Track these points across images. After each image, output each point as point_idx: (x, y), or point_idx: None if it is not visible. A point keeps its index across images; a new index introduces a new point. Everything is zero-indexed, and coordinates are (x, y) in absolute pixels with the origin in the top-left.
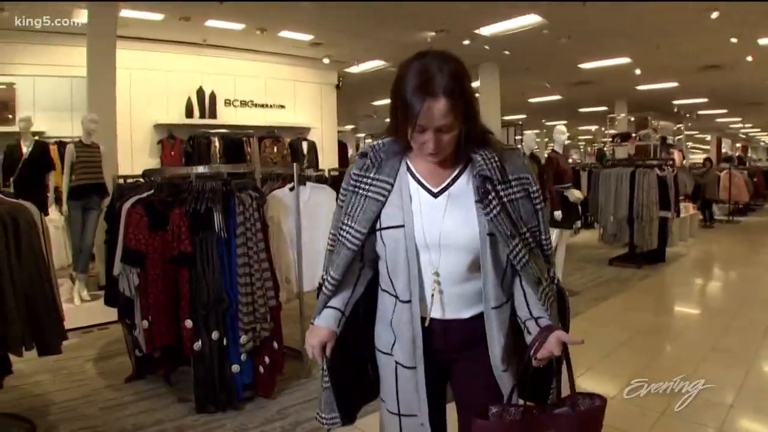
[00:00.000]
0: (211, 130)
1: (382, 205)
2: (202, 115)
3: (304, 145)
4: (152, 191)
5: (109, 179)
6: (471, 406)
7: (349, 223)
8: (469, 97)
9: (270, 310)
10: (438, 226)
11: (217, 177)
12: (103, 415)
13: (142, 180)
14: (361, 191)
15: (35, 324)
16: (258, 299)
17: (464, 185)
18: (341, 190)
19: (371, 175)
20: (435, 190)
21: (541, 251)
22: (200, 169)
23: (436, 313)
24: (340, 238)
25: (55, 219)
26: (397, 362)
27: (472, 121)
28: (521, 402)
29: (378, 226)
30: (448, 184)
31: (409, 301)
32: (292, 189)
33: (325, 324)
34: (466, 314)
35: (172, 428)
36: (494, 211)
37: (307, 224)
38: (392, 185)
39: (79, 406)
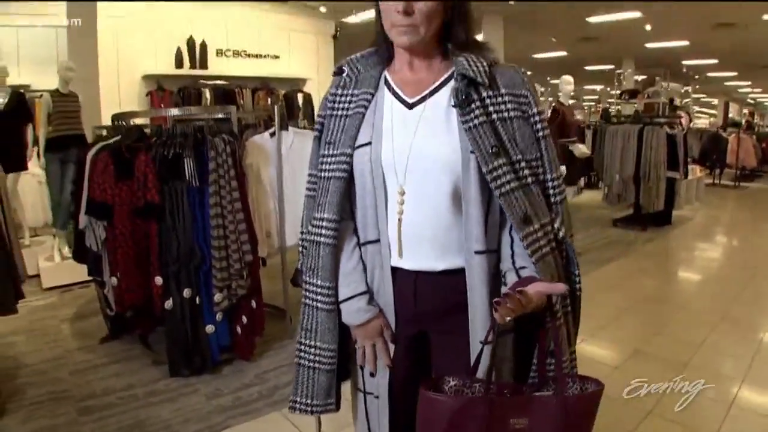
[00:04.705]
0: (202, 81)
1: (363, 118)
2: (193, 66)
3: (300, 97)
4: (119, 137)
5: (89, 131)
6: None
7: (332, 151)
8: None
9: (247, 266)
10: (409, 141)
11: (191, 121)
12: (72, 378)
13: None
14: (339, 112)
15: None
16: (233, 254)
17: (447, 97)
18: (316, 120)
19: (350, 91)
20: (410, 101)
21: (542, 194)
22: (173, 111)
23: (402, 259)
24: (325, 172)
25: (38, 174)
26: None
27: (459, 10)
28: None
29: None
30: (428, 94)
31: (377, 241)
32: (273, 134)
33: (364, 309)
34: (441, 264)
35: (142, 393)
36: (476, 121)
37: (290, 172)
38: (373, 95)
39: (49, 369)
